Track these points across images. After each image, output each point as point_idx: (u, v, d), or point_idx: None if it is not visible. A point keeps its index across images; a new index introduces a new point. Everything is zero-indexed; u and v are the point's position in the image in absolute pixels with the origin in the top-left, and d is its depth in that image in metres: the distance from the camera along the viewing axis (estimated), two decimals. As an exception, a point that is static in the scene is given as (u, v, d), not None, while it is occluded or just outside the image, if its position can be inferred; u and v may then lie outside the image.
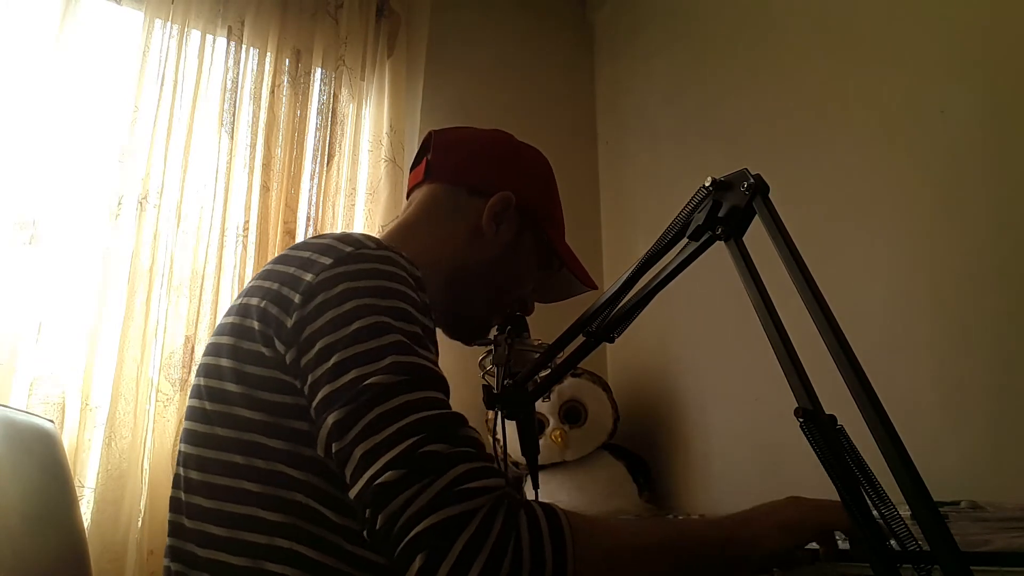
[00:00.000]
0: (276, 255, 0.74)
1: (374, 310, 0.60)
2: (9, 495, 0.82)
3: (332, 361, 0.58)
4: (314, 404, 0.59)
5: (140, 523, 1.39)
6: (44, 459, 0.93)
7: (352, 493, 0.56)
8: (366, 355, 0.58)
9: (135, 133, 1.57)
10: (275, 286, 0.65)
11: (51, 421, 1.01)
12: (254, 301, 0.65)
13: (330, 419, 0.57)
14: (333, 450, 0.57)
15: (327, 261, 0.63)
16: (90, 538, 1.22)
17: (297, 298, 0.62)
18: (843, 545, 0.69)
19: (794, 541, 0.62)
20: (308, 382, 0.60)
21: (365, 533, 0.55)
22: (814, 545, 0.65)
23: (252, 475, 0.62)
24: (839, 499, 0.58)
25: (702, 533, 0.62)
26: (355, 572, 0.62)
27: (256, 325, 0.64)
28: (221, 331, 0.69)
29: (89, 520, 1.34)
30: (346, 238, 0.67)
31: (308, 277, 0.63)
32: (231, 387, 0.64)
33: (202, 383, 0.68)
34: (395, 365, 0.58)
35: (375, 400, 0.56)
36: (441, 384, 0.61)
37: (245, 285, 0.72)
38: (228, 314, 0.69)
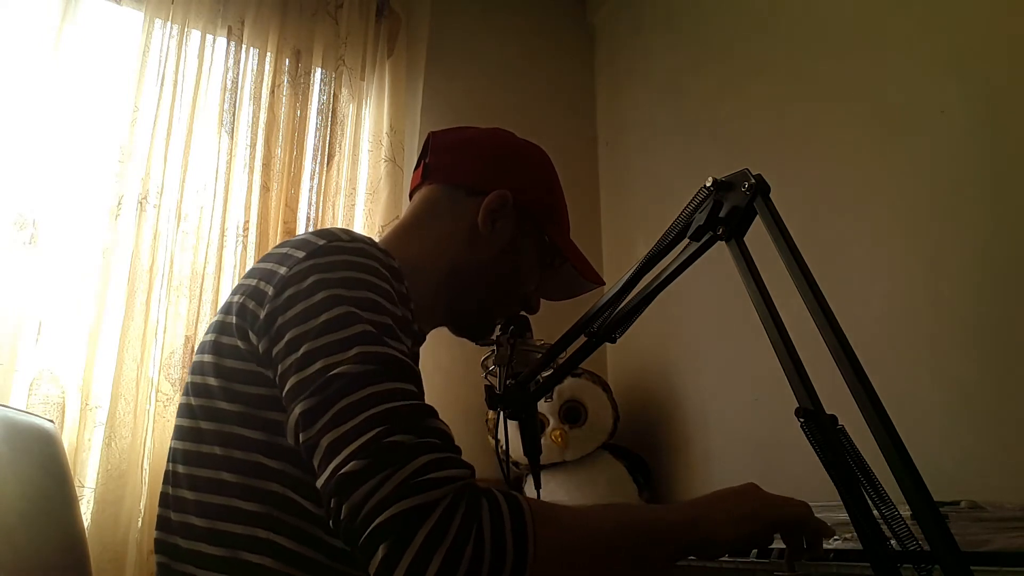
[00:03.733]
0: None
1: (342, 300, 0.61)
2: (9, 495, 0.82)
3: (301, 351, 0.59)
4: (284, 394, 0.60)
5: (140, 523, 1.39)
6: (44, 459, 0.93)
7: (319, 483, 0.56)
8: (333, 345, 0.58)
9: (135, 133, 1.57)
10: (254, 282, 0.66)
11: (51, 421, 1.01)
12: (235, 298, 0.67)
13: (297, 409, 0.58)
14: (301, 440, 0.58)
15: (300, 255, 0.65)
16: (90, 538, 1.22)
17: (270, 291, 0.63)
18: (845, 545, 0.69)
19: (750, 531, 0.62)
20: (278, 372, 0.61)
21: (330, 522, 0.55)
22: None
23: (230, 466, 0.64)
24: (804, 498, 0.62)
25: (664, 519, 0.62)
26: (332, 563, 0.63)
27: (234, 320, 0.66)
28: (208, 330, 0.71)
29: (89, 520, 1.34)
30: (321, 232, 0.68)
31: (282, 271, 0.64)
32: (212, 381, 0.66)
33: (189, 380, 0.70)
34: (362, 355, 0.58)
35: (342, 391, 0.56)
36: (410, 374, 0.60)
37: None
38: (217, 312, 0.71)
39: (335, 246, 0.65)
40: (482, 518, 0.53)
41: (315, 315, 0.60)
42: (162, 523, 0.68)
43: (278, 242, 1.66)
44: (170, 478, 0.69)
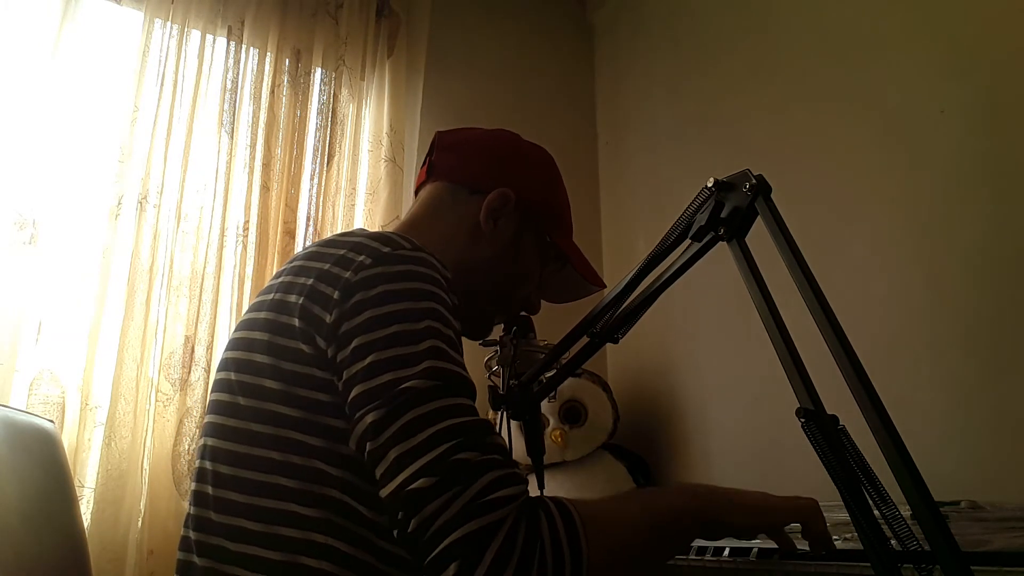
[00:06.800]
0: (287, 254, 0.75)
1: (411, 314, 0.62)
2: (9, 495, 0.82)
3: (368, 361, 0.60)
4: (348, 401, 0.61)
5: (140, 523, 1.39)
6: (44, 459, 0.93)
7: (384, 493, 0.58)
8: (402, 359, 0.60)
9: (135, 133, 1.57)
10: (311, 282, 0.65)
11: (51, 421, 1.01)
12: (292, 298, 0.66)
13: (368, 418, 0.59)
14: (367, 448, 0.59)
15: (365, 260, 0.64)
16: (90, 538, 1.22)
17: (336, 294, 0.63)
18: (845, 545, 0.69)
19: (753, 523, 0.67)
20: (343, 378, 0.61)
21: (395, 533, 0.58)
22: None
23: (288, 471, 0.63)
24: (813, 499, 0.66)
25: (686, 505, 0.66)
26: (384, 567, 0.64)
27: (296, 322, 0.64)
28: (252, 326, 0.68)
29: (89, 520, 1.34)
30: (381, 238, 0.68)
31: (347, 275, 0.64)
32: (269, 383, 0.65)
33: (233, 377, 0.68)
34: (430, 370, 0.60)
35: (410, 403, 0.58)
36: (471, 390, 0.63)
37: (269, 280, 0.73)
38: (259, 309, 0.69)
39: (400, 255, 0.65)
40: (543, 535, 0.57)
41: (384, 325, 0.61)
42: (199, 524, 0.67)
43: (278, 242, 1.68)
44: (208, 477, 0.67)
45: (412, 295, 0.63)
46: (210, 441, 0.69)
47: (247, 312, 0.72)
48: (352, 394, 0.60)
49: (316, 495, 0.62)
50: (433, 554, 0.55)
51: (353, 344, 0.61)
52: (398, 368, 0.59)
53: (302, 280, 0.66)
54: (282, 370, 0.64)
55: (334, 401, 0.63)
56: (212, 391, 0.72)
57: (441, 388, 0.59)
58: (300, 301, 0.65)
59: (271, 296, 0.68)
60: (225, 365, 0.70)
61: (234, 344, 0.70)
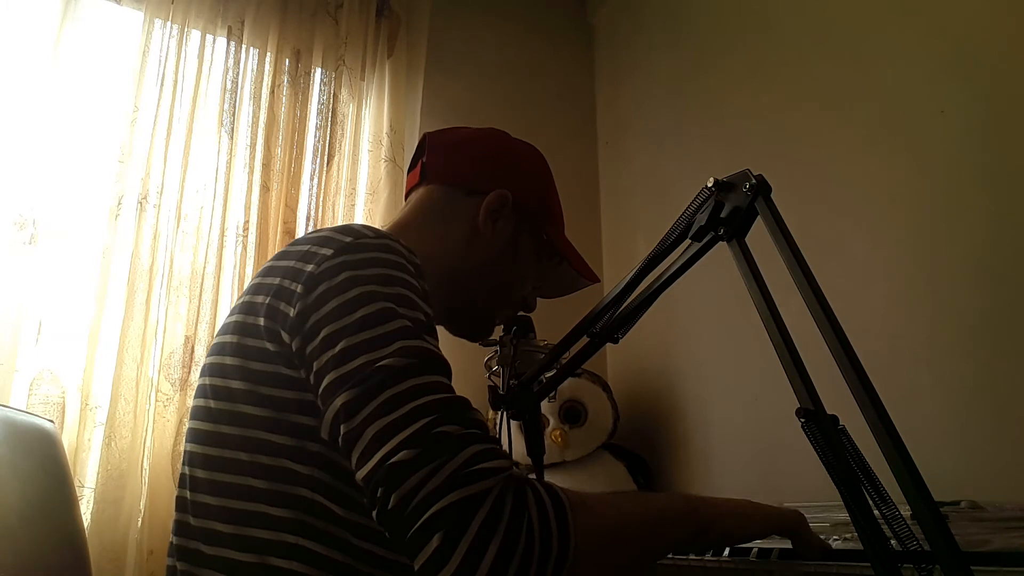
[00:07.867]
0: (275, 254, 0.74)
1: (378, 296, 0.61)
2: (9, 495, 0.83)
3: (339, 347, 0.59)
4: (320, 390, 0.60)
5: (140, 523, 1.39)
6: (44, 459, 0.93)
7: (361, 473, 0.56)
8: (373, 342, 0.58)
9: (135, 133, 1.58)
10: (276, 280, 0.65)
11: (51, 421, 1.01)
12: (259, 299, 0.65)
13: (339, 400, 0.57)
14: (341, 431, 0.57)
15: (327, 252, 0.64)
16: (90, 538, 1.22)
17: (299, 288, 0.62)
18: (845, 545, 0.69)
19: (745, 529, 0.68)
20: (314, 369, 0.60)
21: (374, 513, 0.55)
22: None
23: (257, 471, 0.63)
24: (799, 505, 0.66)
25: (676, 506, 0.67)
26: (361, 566, 0.63)
27: (261, 321, 0.64)
28: (225, 330, 0.69)
29: (89, 520, 1.34)
30: (344, 229, 0.67)
31: (309, 268, 0.63)
32: (236, 384, 0.65)
33: (207, 382, 0.68)
34: (403, 349, 0.58)
35: (385, 382, 0.56)
36: (446, 369, 0.61)
37: (247, 284, 0.72)
38: (232, 313, 0.70)
39: (363, 243, 0.64)
40: (529, 509, 0.55)
41: (351, 311, 0.59)
42: (180, 528, 0.67)
43: (278, 242, 1.68)
44: (187, 482, 0.67)
45: (378, 280, 0.62)
46: (188, 446, 0.69)
47: (226, 317, 0.71)
48: (325, 382, 0.59)
49: (286, 495, 0.62)
50: (416, 527, 0.52)
51: (322, 334, 0.59)
52: (370, 351, 0.58)
53: (269, 280, 0.66)
54: (248, 370, 0.64)
55: (300, 399, 0.62)
56: (194, 397, 0.72)
57: (416, 366, 0.58)
58: (267, 300, 0.64)
59: (244, 299, 0.68)
60: (203, 371, 0.70)
61: (211, 349, 0.70)
